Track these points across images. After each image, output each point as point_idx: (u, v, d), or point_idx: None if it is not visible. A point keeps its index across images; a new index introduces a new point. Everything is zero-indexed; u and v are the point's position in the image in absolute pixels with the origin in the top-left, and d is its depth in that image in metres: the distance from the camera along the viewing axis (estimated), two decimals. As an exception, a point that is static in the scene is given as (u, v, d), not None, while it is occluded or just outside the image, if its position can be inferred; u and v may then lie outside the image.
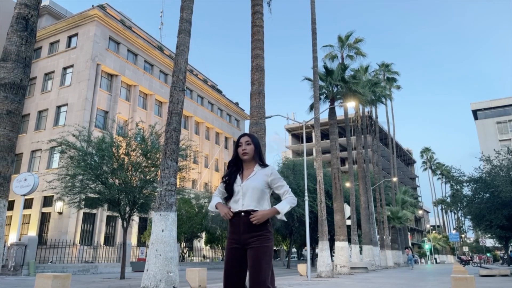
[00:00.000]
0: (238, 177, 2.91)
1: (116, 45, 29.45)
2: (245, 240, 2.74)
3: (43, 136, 25.35)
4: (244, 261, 2.76)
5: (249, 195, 2.81)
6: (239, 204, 2.82)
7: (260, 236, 2.73)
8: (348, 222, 22.19)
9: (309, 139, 52.82)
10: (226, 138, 43.88)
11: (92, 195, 15.54)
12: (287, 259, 35.05)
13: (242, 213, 2.78)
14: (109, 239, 25.89)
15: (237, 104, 46.63)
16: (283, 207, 2.80)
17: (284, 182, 2.90)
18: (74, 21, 28.12)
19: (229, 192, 2.91)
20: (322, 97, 21.57)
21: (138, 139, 15.61)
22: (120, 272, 14.88)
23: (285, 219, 2.88)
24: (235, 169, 2.97)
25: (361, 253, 26.81)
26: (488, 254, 65.91)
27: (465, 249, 65.88)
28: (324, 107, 21.20)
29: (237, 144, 2.97)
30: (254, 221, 2.71)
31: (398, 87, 40.15)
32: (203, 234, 30.55)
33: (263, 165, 2.94)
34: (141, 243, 26.95)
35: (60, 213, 23.55)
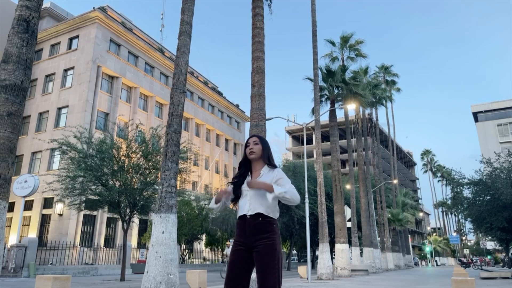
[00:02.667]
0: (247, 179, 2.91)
1: (117, 47, 29.50)
2: (251, 242, 2.72)
3: (44, 137, 25.34)
4: (249, 263, 2.74)
5: (255, 199, 2.78)
6: (246, 207, 2.80)
7: (266, 238, 2.69)
8: (349, 224, 22.14)
9: (309, 141, 52.81)
10: (226, 140, 43.88)
11: (92, 197, 15.53)
12: (287, 261, 35.02)
13: (248, 216, 2.76)
14: (109, 241, 25.87)
15: (237, 106, 46.65)
16: (280, 189, 2.67)
17: (289, 181, 2.84)
18: (75, 23, 28.19)
19: (236, 194, 2.89)
20: (323, 99, 21.60)
21: (139, 140, 15.62)
22: (120, 274, 14.87)
23: (269, 199, 2.68)
24: (243, 170, 2.98)
25: (361, 256, 26.76)
26: (489, 257, 65.84)
27: (466, 251, 65.70)
28: (325, 109, 21.22)
29: (245, 145, 3.00)
30: (250, 185, 2.76)
31: (398, 90, 40.12)
32: (204, 236, 30.52)
33: (271, 165, 2.92)
34: (141, 245, 26.92)
35: (60, 214, 23.54)
